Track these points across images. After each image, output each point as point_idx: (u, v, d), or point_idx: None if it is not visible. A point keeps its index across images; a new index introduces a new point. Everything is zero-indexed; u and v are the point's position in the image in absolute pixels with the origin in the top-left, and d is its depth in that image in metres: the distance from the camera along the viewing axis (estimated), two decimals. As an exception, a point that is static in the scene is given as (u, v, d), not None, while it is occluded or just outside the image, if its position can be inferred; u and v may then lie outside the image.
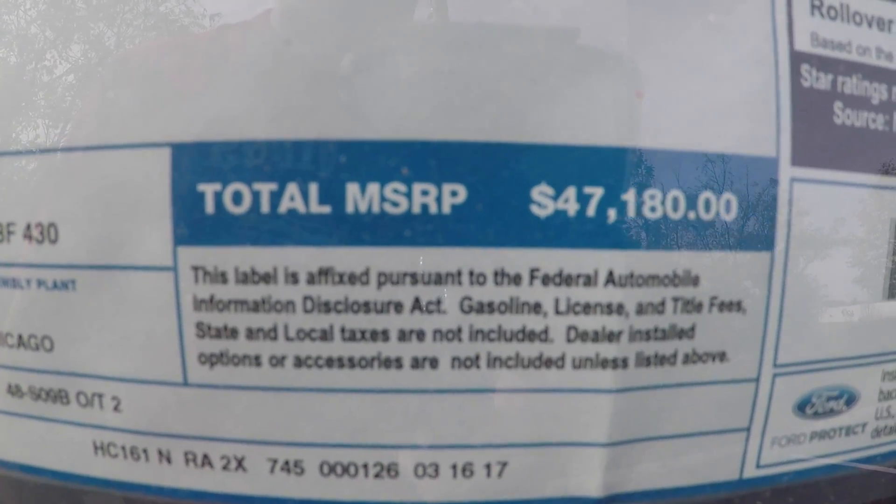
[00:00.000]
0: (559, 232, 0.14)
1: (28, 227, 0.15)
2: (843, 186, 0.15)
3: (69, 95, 0.14)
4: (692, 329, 0.14)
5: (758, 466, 0.16)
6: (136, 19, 0.14)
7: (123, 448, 0.15)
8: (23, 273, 0.15)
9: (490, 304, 0.14)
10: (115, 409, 0.15)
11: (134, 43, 0.14)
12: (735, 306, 0.15)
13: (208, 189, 0.14)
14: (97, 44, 0.14)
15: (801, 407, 0.16)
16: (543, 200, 0.14)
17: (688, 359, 0.15)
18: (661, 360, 0.14)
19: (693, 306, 0.14)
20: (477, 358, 0.14)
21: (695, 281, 0.14)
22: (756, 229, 0.15)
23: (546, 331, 0.14)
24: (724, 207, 0.14)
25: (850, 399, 0.16)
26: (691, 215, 0.14)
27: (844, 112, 0.15)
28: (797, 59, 0.15)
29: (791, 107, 0.15)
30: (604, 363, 0.14)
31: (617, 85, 0.14)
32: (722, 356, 0.15)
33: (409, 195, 0.13)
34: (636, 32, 0.14)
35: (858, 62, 0.15)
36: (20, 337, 0.15)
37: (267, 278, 0.14)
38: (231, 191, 0.14)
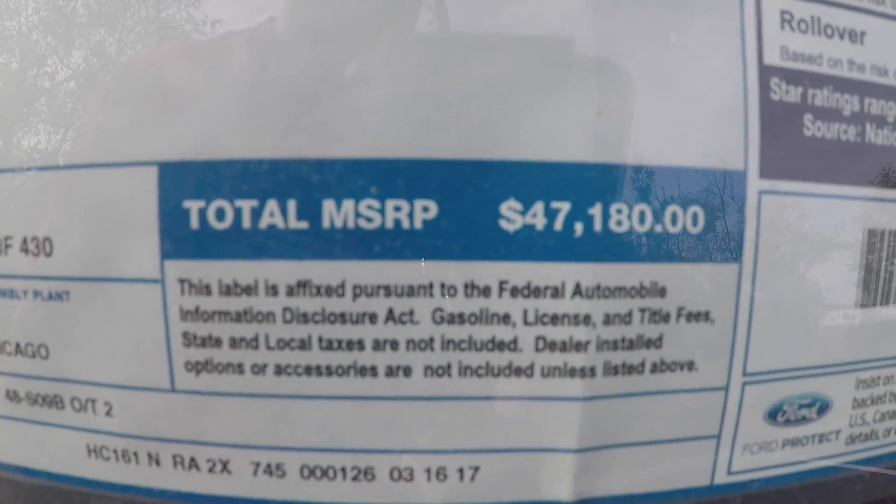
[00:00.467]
0: (527, 245, 0.14)
1: (25, 240, 0.15)
2: (815, 198, 0.16)
3: (70, 102, 0.15)
4: (660, 339, 0.15)
5: (729, 473, 0.16)
6: (138, 26, 0.15)
7: (115, 451, 0.16)
8: (20, 284, 0.16)
9: (461, 316, 0.14)
10: (108, 413, 0.16)
11: (135, 49, 0.15)
12: (703, 316, 0.15)
13: (193, 206, 0.14)
14: (98, 50, 0.15)
15: (773, 414, 0.16)
16: (512, 215, 0.14)
17: (655, 368, 0.15)
18: (629, 368, 0.15)
19: (660, 317, 0.15)
20: (449, 367, 0.14)
21: (662, 292, 0.15)
22: (724, 241, 0.15)
23: (515, 341, 0.14)
24: (690, 220, 0.15)
25: (823, 407, 0.16)
26: (658, 228, 0.14)
27: (815, 124, 0.16)
28: (766, 72, 0.15)
29: (759, 120, 0.15)
30: (572, 372, 0.14)
31: (583, 101, 0.14)
32: (690, 365, 0.15)
33: (382, 211, 0.14)
34: (603, 48, 0.14)
35: (829, 74, 0.16)
36: (18, 345, 0.16)
37: (248, 290, 0.14)
38: (214, 207, 0.14)
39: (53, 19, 0.15)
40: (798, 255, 0.16)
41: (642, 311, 0.15)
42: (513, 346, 0.14)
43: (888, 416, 0.17)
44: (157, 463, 0.15)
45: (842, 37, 0.16)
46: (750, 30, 0.15)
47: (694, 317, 0.15)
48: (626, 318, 0.14)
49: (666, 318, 0.15)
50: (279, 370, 0.15)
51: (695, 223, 0.15)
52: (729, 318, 0.15)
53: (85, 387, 0.16)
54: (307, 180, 0.14)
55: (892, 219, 0.16)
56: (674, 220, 0.14)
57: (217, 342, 0.15)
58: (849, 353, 0.16)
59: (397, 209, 0.14)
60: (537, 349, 0.14)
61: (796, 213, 0.15)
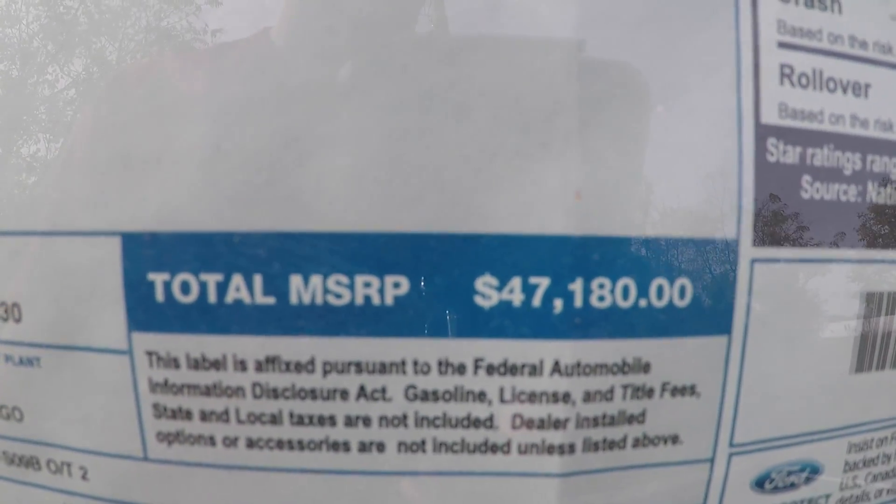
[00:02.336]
0: (504, 323, 0.13)
1: (-6, 304, 0.15)
2: (811, 263, 0.15)
3: (70, 110, 0.14)
4: (642, 414, 0.14)
5: (713, 540, 0.16)
6: (138, 34, 0.14)
7: (92, 515, 0.16)
8: (-9, 348, 0.15)
9: (434, 393, 0.14)
10: (83, 477, 0.15)
11: (135, 58, 0.14)
12: (688, 390, 0.14)
13: (158, 278, 0.14)
14: (99, 58, 0.14)
15: (760, 483, 0.16)
16: (487, 291, 0.13)
17: (638, 442, 0.14)
18: (610, 444, 0.14)
19: (644, 392, 0.14)
20: (423, 443, 0.14)
21: (646, 368, 0.14)
22: (712, 313, 0.14)
23: (491, 418, 0.14)
24: (677, 293, 0.14)
25: (813, 472, 0.16)
26: (642, 303, 0.14)
27: (813, 186, 0.15)
28: (763, 132, 0.14)
29: (754, 184, 0.14)
30: (550, 448, 0.14)
31: (565, 171, 0.13)
32: (675, 439, 0.15)
33: (351, 287, 0.13)
34: (587, 114, 0.13)
35: (831, 132, 0.15)
36: (-7, 406, 0.16)
37: (217, 365, 0.14)
38: (179, 280, 0.14)
39: (54, 27, 0.15)
40: (791, 322, 0.15)
41: (625, 387, 0.14)
42: (489, 423, 0.14)
43: (880, 477, 0.17)
44: (134, 528, 0.15)
45: (845, 90, 0.15)
46: (747, 87, 0.14)
47: (679, 391, 0.14)
48: (608, 395, 0.14)
49: (650, 393, 0.14)
50: (251, 443, 0.14)
51: (682, 296, 0.14)
52: (716, 390, 0.14)
53: (60, 450, 0.15)
54: (272, 255, 0.13)
55: (890, 280, 0.15)
56: (659, 294, 0.14)
57: (188, 414, 0.14)
58: (841, 419, 0.16)
59: (367, 285, 0.13)
60: (514, 426, 0.14)
61: (791, 280, 0.15)
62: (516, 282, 0.13)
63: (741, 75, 0.14)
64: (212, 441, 0.14)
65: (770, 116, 0.14)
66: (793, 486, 0.16)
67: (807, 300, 0.15)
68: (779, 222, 0.14)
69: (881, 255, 0.15)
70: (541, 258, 0.13)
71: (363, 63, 0.13)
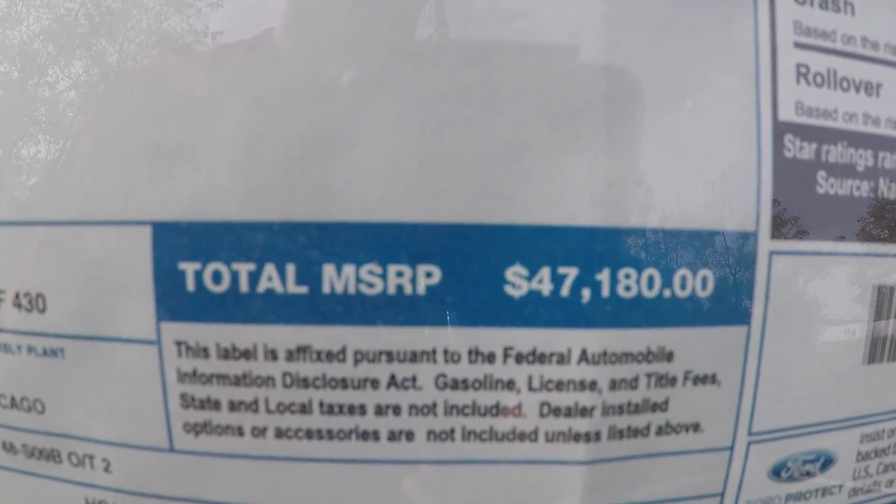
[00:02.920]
0: (533, 312, 0.14)
1: (17, 295, 0.15)
2: (825, 256, 0.15)
3: (70, 112, 0.14)
4: (665, 402, 0.15)
5: (731, 528, 0.16)
6: (139, 36, 0.14)
7: (114, 507, 0.16)
8: (13, 339, 0.15)
9: (464, 381, 0.14)
10: (106, 469, 0.15)
11: (136, 61, 0.14)
12: (710, 379, 0.15)
13: (189, 268, 0.14)
14: (99, 60, 0.14)
15: (777, 471, 0.16)
16: (517, 281, 0.14)
17: (661, 430, 0.15)
18: (635, 432, 0.15)
19: (667, 381, 0.14)
20: (452, 431, 0.14)
21: (669, 357, 0.14)
22: (732, 304, 0.15)
23: (519, 406, 0.14)
24: (700, 284, 0.14)
25: (827, 462, 0.16)
26: (666, 293, 0.14)
27: (828, 181, 0.15)
28: (780, 129, 0.15)
29: (772, 179, 0.15)
30: (576, 437, 0.14)
31: (592, 164, 0.14)
32: (696, 427, 0.15)
33: (384, 276, 0.14)
34: (615, 109, 0.14)
35: (844, 129, 0.15)
36: (13, 398, 0.16)
37: (247, 354, 0.14)
38: (211, 270, 0.14)
39: (54, 28, 0.15)
40: (808, 313, 0.15)
41: (649, 375, 0.14)
42: (517, 411, 0.14)
43: (891, 467, 0.17)
44: (157, 520, 0.15)
45: (857, 90, 0.15)
46: (765, 86, 0.14)
47: (700, 380, 0.15)
48: (633, 383, 0.14)
49: (672, 381, 0.14)
50: (279, 433, 0.14)
51: (704, 287, 0.14)
52: (736, 379, 0.15)
53: (83, 443, 0.15)
54: (306, 245, 0.14)
55: (902, 274, 0.16)
56: (683, 285, 0.14)
57: (216, 405, 0.14)
58: (854, 409, 0.16)
59: (399, 275, 0.14)
60: (542, 415, 0.14)
61: (807, 272, 0.15)
62: (545, 272, 0.14)
63: (759, 74, 0.14)
64: (240, 431, 0.14)
65: (787, 114, 0.15)
66: (808, 474, 0.16)
67: (822, 292, 0.15)
68: (795, 216, 0.15)
69: (893, 250, 0.16)
70: (569, 249, 0.14)
71: (397, 57, 0.14)
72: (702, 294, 0.14)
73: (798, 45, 0.15)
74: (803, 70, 0.15)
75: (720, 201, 0.14)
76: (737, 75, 0.14)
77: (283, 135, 0.13)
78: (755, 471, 0.16)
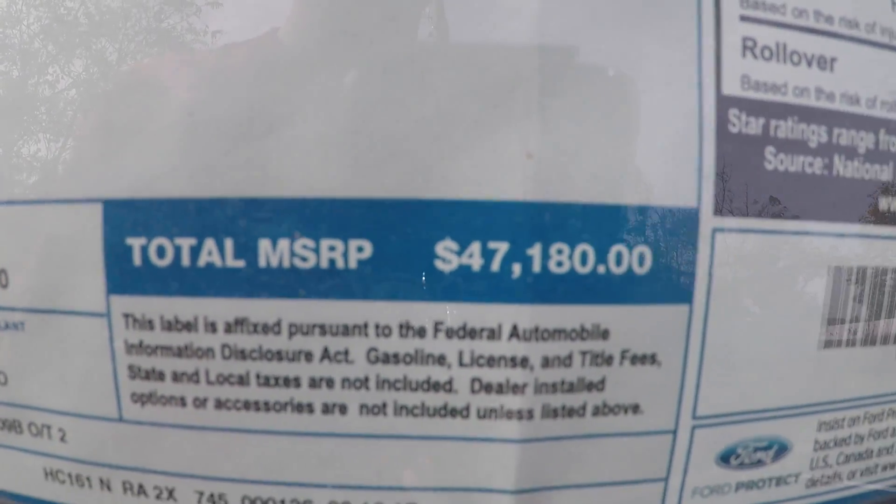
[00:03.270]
0: (463, 287, 0.14)
1: (-18, 271, 0.16)
2: (776, 235, 0.15)
3: (70, 110, 0.15)
4: (602, 382, 0.14)
5: (679, 515, 0.16)
6: (139, 35, 0.15)
7: (70, 475, 0.16)
8: (-20, 313, 0.16)
9: (395, 356, 0.14)
10: (62, 439, 0.16)
11: (136, 59, 0.15)
12: (649, 359, 0.14)
13: (135, 243, 0.14)
14: (99, 59, 0.15)
15: (725, 458, 0.15)
16: (447, 255, 0.14)
17: (598, 411, 0.14)
18: (569, 411, 0.14)
19: (603, 359, 0.14)
20: (384, 406, 0.14)
21: (604, 334, 0.14)
22: (673, 282, 0.14)
23: (450, 382, 0.14)
24: (636, 260, 0.14)
25: (781, 449, 0.16)
26: (601, 269, 0.14)
27: (777, 157, 0.15)
28: (725, 103, 0.14)
29: (715, 154, 0.14)
30: (508, 414, 0.14)
31: (524, 138, 0.14)
32: (635, 408, 0.15)
33: (317, 251, 0.14)
34: (547, 82, 0.14)
35: (795, 104, 0.15)
36: (-20, 370, 0.17)
37: (189, 326, 0.14)
38: (155, 245, 0.14)
39: (54, 28, 0.15)
40: (756, 294, 0.15)
41: (583, 353, 0.14)
42: (448, 387, 0.14)
43: (853, 458, 0.17)
44: (109, 488, 0.16)
45: (809, 64, 0.15)
46: (708, 58, 0.14)
47: (639, 359, 0.14)
48: (566, 361, 0.14)
49: (609, 360, 0.14)
50: (219, 404, 0.15)
51: (641, 263, 0.14)
52: (677, 360, 0.14)
53: (41, 413, 0.16)
54: (243, 220, 0.14)
55: (859, 255, 0.15)
56: (618, 261, 0.14)
57: (160, 375, 0.15)
58: (810, 395, 0.16)
59: (332, 249, 0.14)
60: (473, 391, 0.14)
61: (754, 251, 0.15)
62: (475, 246, 0.14)
63: (702, 48, 0.14)
64: (182, 402, 0.15)
65: (732, 88, 0.14)
66: (760, 462, 0.16)
67: (772, 272, 0.15)
68: (742, 193, 0.15)
69: (849, 230, 0.15)
70: (500, 223, 0.14)
71: (332, 36, 0.14)
72: (639, 271, 0.14)
73: (744, 19, 0.15)
74: (749, 43, 0.14)
75: (659, 176, 0.14)
76: (678, 49, 0.14)
77: (220, 113, 0.14)
78: (701, 456, 0.15)
